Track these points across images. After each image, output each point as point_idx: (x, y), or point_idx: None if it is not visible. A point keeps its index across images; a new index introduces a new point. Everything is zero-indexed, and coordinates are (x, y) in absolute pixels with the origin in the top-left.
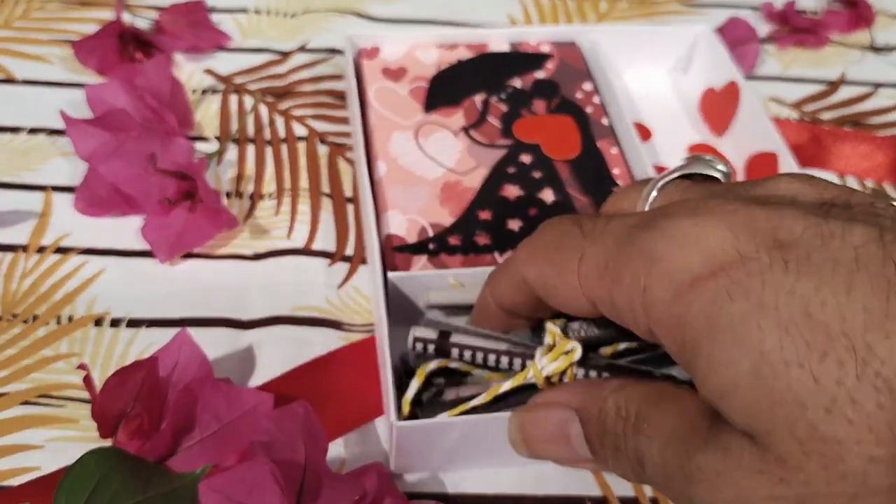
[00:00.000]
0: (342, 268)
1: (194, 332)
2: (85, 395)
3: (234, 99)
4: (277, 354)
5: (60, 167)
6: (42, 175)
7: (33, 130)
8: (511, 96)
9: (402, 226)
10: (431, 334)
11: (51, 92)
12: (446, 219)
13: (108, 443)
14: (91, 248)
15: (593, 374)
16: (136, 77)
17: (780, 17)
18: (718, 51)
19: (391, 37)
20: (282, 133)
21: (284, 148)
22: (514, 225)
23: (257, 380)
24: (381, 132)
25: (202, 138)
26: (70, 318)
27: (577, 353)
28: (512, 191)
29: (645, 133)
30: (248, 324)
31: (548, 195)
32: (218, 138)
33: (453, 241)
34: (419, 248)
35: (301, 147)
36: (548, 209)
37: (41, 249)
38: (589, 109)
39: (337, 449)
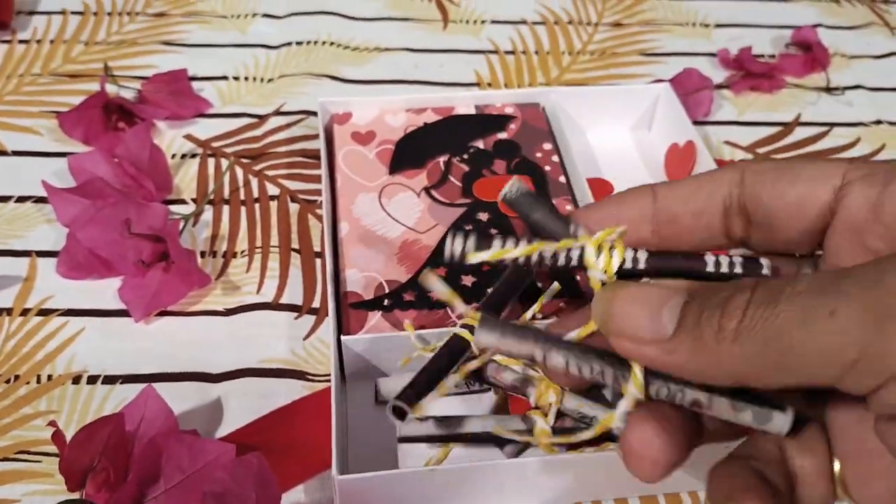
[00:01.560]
0: (308, 320)
1: (166, 387)
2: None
3: (211, 162)
4: (244, 406)
5: (45, 233)
6: (28, 241)
7: (21, 199)
8: (473, 157)
9: (360, 283)
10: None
11: (38, 162)
12: (403, 275)
13: (76, 496)
14: (72, 309)
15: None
16: (117, 146)
17: (735, 63)
18: (677, 108)
19: (362, 102)
20: (255, 193)
21: (258, 207)
22: (468, 280)
23: (224, 430)
24: (347, 194)
25: (180, 201)
26: (49, 377)
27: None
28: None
29: (607, 188)
30: (217, 377)
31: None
32: (194, 200)
33: (408, 297)
34: (374, 304)
35: (273, 206)
36: (498, 269)
37: (25, 312)
38: (547, 168)
39: (297, 495)
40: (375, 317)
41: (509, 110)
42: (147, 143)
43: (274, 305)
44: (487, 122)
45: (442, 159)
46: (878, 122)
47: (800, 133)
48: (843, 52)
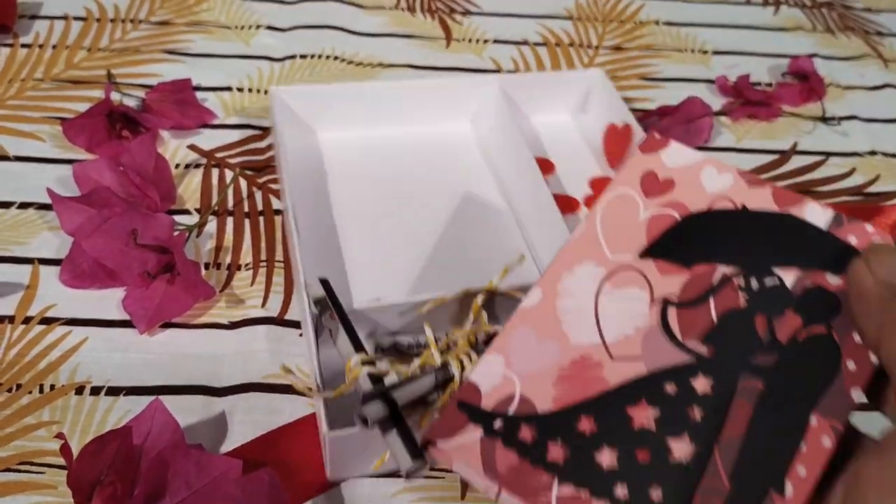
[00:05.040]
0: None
1: (169, 399)
2: (63, 461)
3: (215, 173)
4: (248, 421)
5: (48, 241)
6: (30, 248)
7: (23, 205)
8: (762, 291)
9: (492, 378)
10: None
11: (41, 168)
12: (544, 402)
13: None
14: (75, 319)
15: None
16: (122, 155)
17: (733, 90)
18: (612, 93)
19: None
20: (260, 205)
21: (262, 220)
22: (606, 460)
23: (229, 446)
24: (575, 253)
25: (184, 211)
26: (52, 387)
27: None
28: (644, 415)
29: (548, 167)
30: (222, 391)
31: (683, 449)
32: (198, 211)
33: (524, 434)
34: (485, 418)
35: (278, 220)
36: (664, 470)
37: (27, 320)
38: (851, 365)
39: None
40: (472, 435)
41: (854, 240)
42: (153, 152)
43: (279, 321)
44: (827, 249)
45: (722, 270)
46: (873, 153)
47: (796, 161)
48: (838, 82)
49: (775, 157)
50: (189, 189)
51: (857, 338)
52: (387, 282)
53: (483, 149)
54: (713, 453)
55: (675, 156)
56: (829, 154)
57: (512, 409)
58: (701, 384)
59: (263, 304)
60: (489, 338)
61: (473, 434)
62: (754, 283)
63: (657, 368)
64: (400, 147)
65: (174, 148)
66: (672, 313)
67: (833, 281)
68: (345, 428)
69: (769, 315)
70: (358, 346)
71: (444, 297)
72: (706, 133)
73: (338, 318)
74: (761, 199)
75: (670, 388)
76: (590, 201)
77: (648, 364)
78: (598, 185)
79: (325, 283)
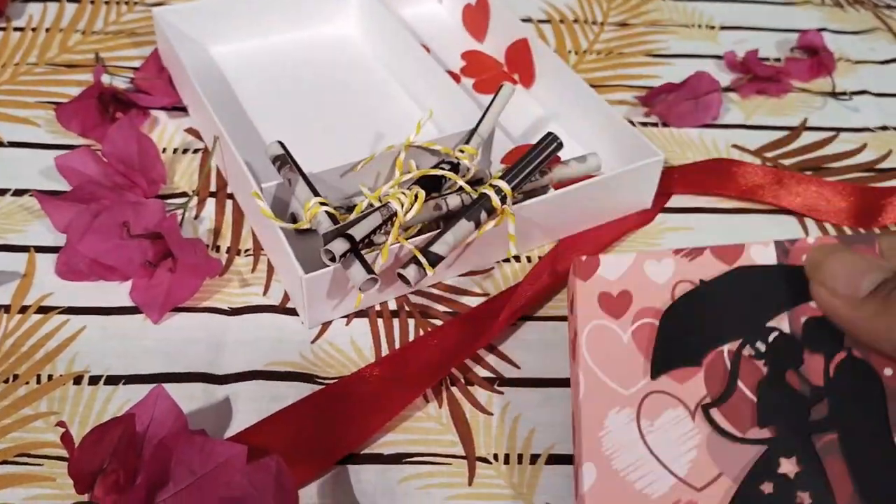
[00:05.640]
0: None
1: (171, 387)
2: (61, 452)
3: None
4: (252, 409)
5: (44, 228)
6: (26, 236)
7: (18, 192)
8: (774, 349)
9: None
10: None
11: (36, 154)
12: None
13: (84, 499)
14: (72, 307)
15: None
16: (103, 143)
17: (742, 66)
18: None
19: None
20: None
21: None
22: None
23: (232, 432)
24: (594, 409)
25: (180, 194)
26: (50, 377)
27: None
28: None
29: (424, 49)
30: (224, 378)
31: None
32: (196, 193)
33: None
34: None
35: None
36: None
37: (23, 309)
38: (888, 372)
39: (311, 494)
40: None
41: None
42: (133, 135)
43: (282, 309)
44: (796, 279)
45: (728, 348)
46: (884, 128)
47: (807, 137)
48: (848, 56)
49: (785, 133)
50: (188, 172)
51: None
52: (319, 161)
53: (370, 43)
54: None
55: (612, 267)
56: (839, 130)
57: None
58: (787, 467)
59: (265, 293)
60: (417, 180)
61: None
62: (761, 346)
63: (741, 475)
64: (291, 52)
65: (173, 130)
66: (717, 414)
67: (816, 305)
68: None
69: (794, 366)
70: (315, 192)
71: (373, 154)
72: (715, 109)
73: (296, 170)
74: (708, 266)
75: (767, 487)
76: (465, 71)
77: (731, 475)
78: (469, 56)
79: (281, 144)
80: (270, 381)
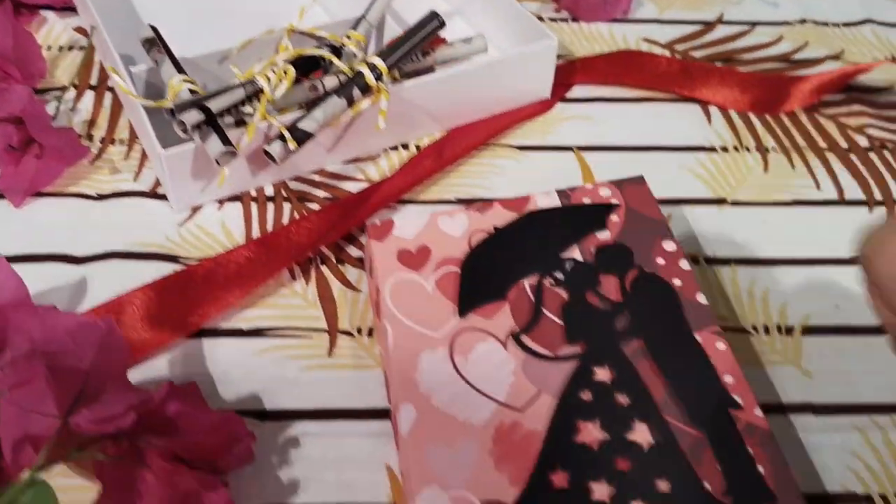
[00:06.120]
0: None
1: (27, 267)
2: None
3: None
4: (110, 288)
5: None
6: None
7: None
8: (571, 276)
9: None
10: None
11: None
12: (506, 491)
13: None
14: None
15: None
16: None
17: None
18: None
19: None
20: None
21: None
22: (602, 493)
23: (84, 309)
24: (405, 355)
25: (60, 88)
26: None
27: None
28: (592, 433)
29: None
30: (83, 259)
31: (642, 434)
32: (75, 86)
33: None
34: None
35: None
36: (646, 460)
37: None
38: (677, 282)
39: (162, 365)
40: None
41: (605, 193)
42: (8, 28)
43: (151, 194)
44: (580, 217)
45: (528, 283)
46: (803, 22)
47: (721, 31)
48: None
49: (699, 27)
50: (71, 67)
51: (661, 261)
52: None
53: None
54: (664, 420)
55: (406, 227)
56: (756, 23)
57: None
58: (602, 375)
59: (136, 178)
60: (294, 62)
61: None
62: (559, 275)
63: (559, 389)
64: None
65: (61, 28)
66: (528, 340)
67: (602, 235)
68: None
69: (591, 288)
70: (180, 70)
71: (252, 38)
72: (625, 3)
73: (164, 51)
74: (499, 216)
75: (586, 395)
76: None
77: (551, 391)
78: None
79: (154, 28)
80: (131, 261)
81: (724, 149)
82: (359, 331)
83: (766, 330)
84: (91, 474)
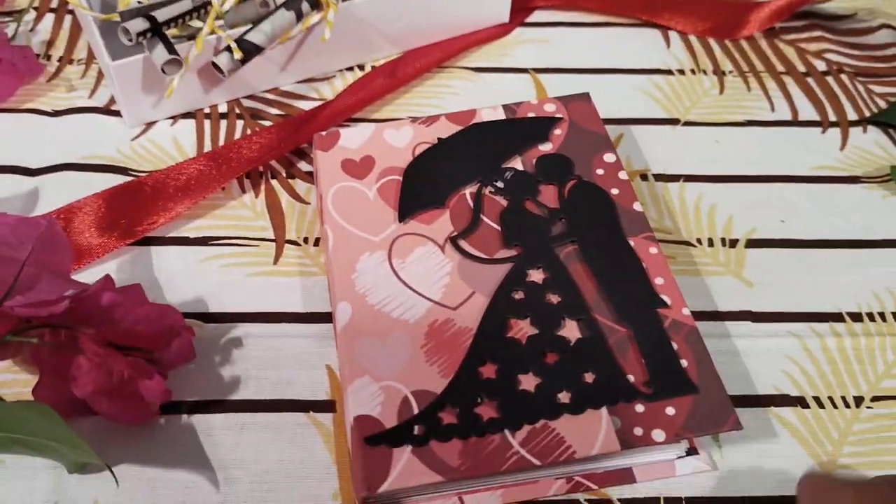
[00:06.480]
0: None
1: None
2: None
3: None
4: (61, 198)
5: None
6: None
7: None
8: (511, 184)
9: (376, 400)
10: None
11: None
12: (436, 382)
13: None
14: None
15: None
16: None
17: None
18: None
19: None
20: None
21: None
22: (529, 384)
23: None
24: (344, 256)
25: (19, 10)
26: None
27: None
28: (522, 328)
29: None
30: (36, 171)
31: (571, 330)
32: (36, 9)
33: (447, 417)
34: (400, 434)
35: None
36: (573, 354)
37: None
38: (615, 192)
39: (110, 269)
40: (404, 456)
41: (550, 108)
42: None
43: (105, 110)
44: (524, 130)
45: (469, 191)
46: None
47: None
48: None
49: None
50: None
51: (600, 171)
52: None
53: None
54: (593, 318)
55: (352, 138)
56: None
57: (416, 409)
58: (535, 276)
59: (91, 95)
60: None
61: (404, 455)
62: (500, 183)
63: (493, 289)
64: None
65: None
66: (465, 244)
67: (544, 146)
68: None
69: (530, 196)
70: None
71: None
72: None
73: None
74: (444, 129)
75: (518, 294)
76: None
77: (484, 291)
78: None
79: None
80: (83, 173)
81: (681, 72)
82: (305, 240)
83: (710, 242)
84: (35, 370)
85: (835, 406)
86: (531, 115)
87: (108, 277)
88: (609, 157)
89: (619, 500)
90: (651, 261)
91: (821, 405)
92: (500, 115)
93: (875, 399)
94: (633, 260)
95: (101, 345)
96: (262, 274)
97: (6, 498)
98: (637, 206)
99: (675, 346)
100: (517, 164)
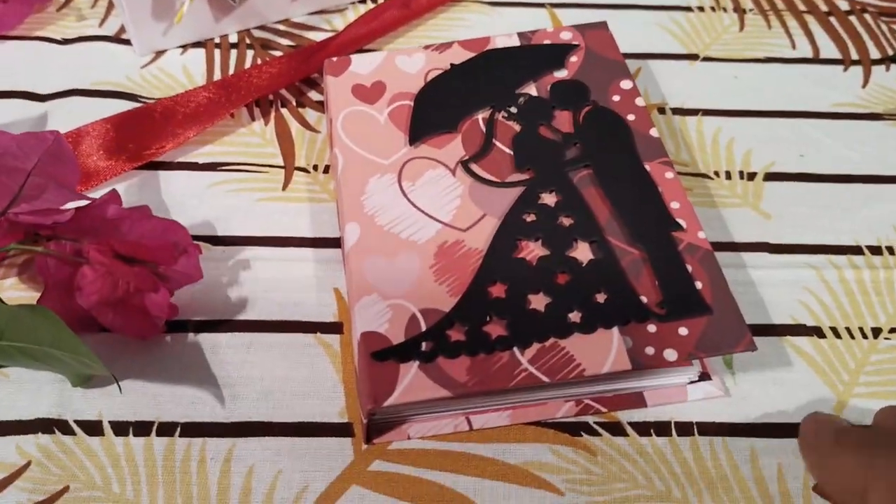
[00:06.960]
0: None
1: None
2: None
3: None
4: (70, 122)
5: None
6: None
7: None
8: (525, 110)
9: (383, 318)
10: None
11: None
12: (444, 301)
13: None
14: None
15: None
16: None
17: None
18: None
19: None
20: None
21: None
22: (538, 303)
23: None
24: (354, 179)
25: None
26: None
27: None
28: (533, 250)
29: None
30: (45, 97)
31: (583, 252)
32: None
33: (455, 334)
34: (407, 350)
35: None
36: (585, 275)
37: None
38: (630, 117)
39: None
40: (411, 371)
41: (566, 36)
42: None
43: (115, 38)
44: (539, 56)
45: (481, 116)
46: None
47: None
48: None
49: None
50: None
51: (616, 98)
52: None
53: None
54: (606, 239)
55: (363, 64)
56: None
57: (424, 326)
58: (548, 199)
59: (101, 25)
60: None
61: (411, 370)
62: (513, 109)
63: (504, 212)
64: None
65: None
66: (476, 168)
67: (559, 73)
68: None
69: (544, 121)
70: None
71: None
72: None
73: None
74: (457, 56)
75: (529, 216)
76: None
77: (495, 214)
78: None
79: None
80: (92, 98)
81: (701, 9)
82: (315, 167)
83: (728, 175)
84: (41, 286)
85: (852, 337)
86: (547, 42)
87: (114, 191)
88: (626, 84)
89: (629, 422)
90: (667, 185)
91: (837, 335)
92: (515, 42)
93: (893, 331)
94: (648, 184)
95: (106, 255)
96: (271, 199)
97: (10, 411)
98: (654, 132)
99: (689, 268)
100: (531, 90)
